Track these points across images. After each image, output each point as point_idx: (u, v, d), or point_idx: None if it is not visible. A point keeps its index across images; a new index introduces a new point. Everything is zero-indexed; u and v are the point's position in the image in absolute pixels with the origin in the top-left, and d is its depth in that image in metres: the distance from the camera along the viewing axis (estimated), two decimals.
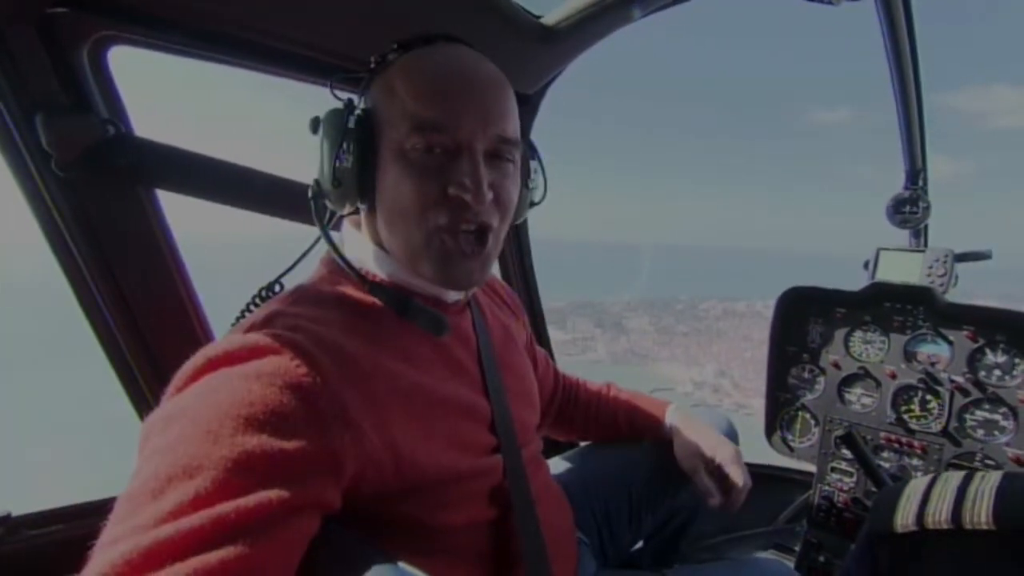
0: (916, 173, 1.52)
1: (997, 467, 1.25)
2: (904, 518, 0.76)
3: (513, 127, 0.64)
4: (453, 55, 0.63)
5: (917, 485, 0.80)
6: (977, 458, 1.27)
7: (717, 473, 0.96)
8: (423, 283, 0.67)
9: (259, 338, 0.53)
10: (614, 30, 1.13)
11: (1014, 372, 1.26)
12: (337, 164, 0.62)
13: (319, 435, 0.50)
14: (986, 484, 0.73)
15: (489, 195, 0.61)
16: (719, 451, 0.97)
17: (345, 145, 0.61)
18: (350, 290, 0.65)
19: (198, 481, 0.43)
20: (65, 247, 0.86)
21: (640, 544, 1.14)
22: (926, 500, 0.76)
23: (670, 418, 1.04)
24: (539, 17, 1.09)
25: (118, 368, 0.97)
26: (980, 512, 0.69)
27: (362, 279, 0.64)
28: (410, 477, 0.59)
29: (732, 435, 1.21)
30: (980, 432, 1.28)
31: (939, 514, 0.72)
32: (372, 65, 0.66)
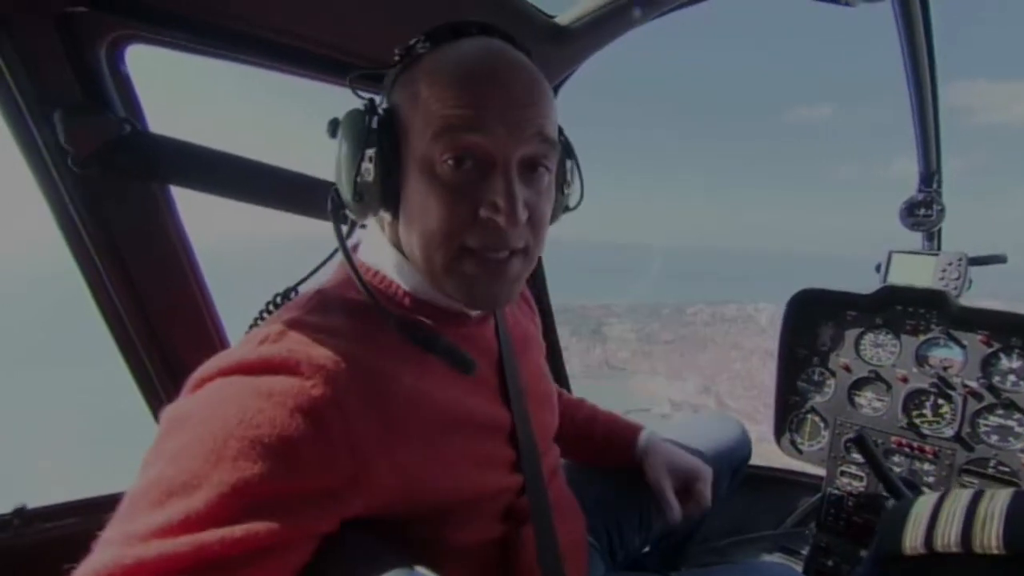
0: (930, 176, 1.51)
1: (1011, 473, 1.24)
2: (913, 540, 0.73)
3: (551, 128, 0.58)
4: (483, 51, 0.57)
5: (925, 504, 0.78)
6: (991, 464, 1.26)
7: (685, 485, 0.94)
8: (428, 292, 0.63)
9: (275, 352, 0.50)
10: (627, 30, 1.13)
11: None
12: (358, 179, 0.57)
13: (324, 467, 0.48)
14: (996, 505, 0.70)
15: (524, 215, 0.56)
16: (692, 463, 0.95)
17: (367, 152, 0.56)
18: (368, 297, 0.60)
19: (192, 501, 0.42)
20: (80, 242, 0.87)
21: (648, 547, 1.14)
22: (934, 521, 0.73)
23: (644, 440, 0.99)
24: (552, 17, 1.09)
25: (131, 363, 0.98)
26: (990, 535, 0.67)
27: (382, 311, 0.58)
28: (425, 501, 0.57)
29: (745, 445, 1.19)
30: (994, 438, 1.27)
31: (948, 537, 0.70)
32: (397, 58, 0.60)
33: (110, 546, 0.41)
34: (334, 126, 0.59)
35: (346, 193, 0.59)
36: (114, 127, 0.82)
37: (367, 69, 0.67)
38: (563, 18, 1.08)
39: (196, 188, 0.93)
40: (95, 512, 0.95)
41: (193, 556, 0.40)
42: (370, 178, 0.57)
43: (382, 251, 0.65)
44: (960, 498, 0.75)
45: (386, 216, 0.62)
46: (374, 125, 0.57)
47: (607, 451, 1.00)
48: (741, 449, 1.16)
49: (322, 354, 0.51)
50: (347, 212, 0.62)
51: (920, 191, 1.52)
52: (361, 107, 0.58)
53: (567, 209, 0.71)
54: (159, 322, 0.96)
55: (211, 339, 1.01)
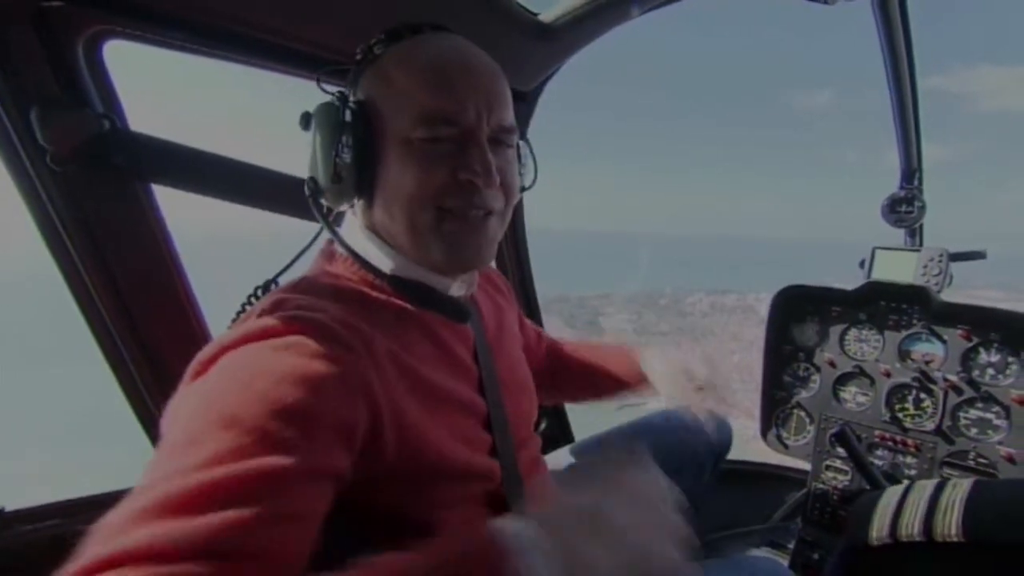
0: (911, 173, 1.53)
1: (990, 465, 1.26)
2: (879, 530, 0.74)
3: (511, 114, 0.65)
4: (448, 44, 0.63)
5: (892, 495, 0.79)
6: (970, 456, 1.28)
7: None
8: (429, 275, 0.67)
9: (277, 320, 0.53)
10: (611, 27, 1.13)
11: (1007, 371, 1.27)
12: (336, 160, 0.61)
13: (344, 403, 0.51)
14: (956, 494, 0.72)
15: (497, 178, 0.62)
16: (703, 374, 0.96)
17: (343, 139, 0.60)
18: (353, 283, 0.64)
19: (236, 433, 0.44)
20: (60, 242, 0.86)
21: None
22: (899, 511, 0.74)
23: (646, 359, 1.02)
24: (536, 14, 1.09)
25: (113, 362, 0.97)
26: (950, 524, 0.68)
27: (380, 275, 0.64)
28: (411, 464, 0.59)
29: (727, 435, 1.20)
30: (973, 431, 1.29)
31: (911, 526, 0.71)
32: (359, 56, 0.65)
33: (151, 488, 0.41)
34: (307, 119, 0.63)
35: (324, 179, 0.62)
36: (93, 124, 0.81)
37: (338, 65, 0.70)
38: (547, 15, 1.09)
39: (177, 186, 0.92)
40: (76, 513, 0.94)
41: (255, 478, 0.42)
42: (347, 163, 0.61)
43: (358, 239, 0.68)
44: (925, 489, 0.76)
45: (360, 202, 0.65)
46: (347, 116, 0.61)
47: (619, 377, 1.04)
48: (722, 437, 1.17)
49: (323, 320, 0.54)
50: (323, 200, 0.65)
51: (902, 188, 1.54)
52: (332, 100, 0.62)
53: (523, 189, 0.76)
54: (142, 321, 0.95)
55: (195, 337, 1.00)
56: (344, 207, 0.67)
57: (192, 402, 0.48)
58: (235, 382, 0.47)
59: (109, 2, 0.78)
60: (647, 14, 1.10)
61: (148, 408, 1.00)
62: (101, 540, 0.39)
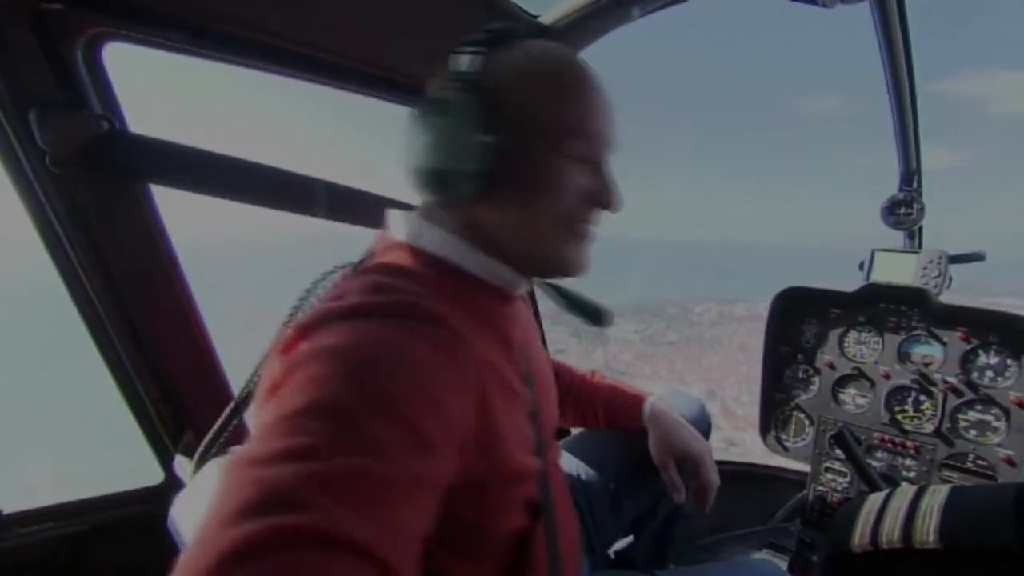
0: (911, 175, 1.53)
1: (989, 467, 1.26)
2: (861, 537, 0.73)
3: None
4: (581, 60, 0.65)
5: (874, 501, 0.78)
6: (969, 459, 1.28)
7: (689, 470, 0.96)
8: (497, 272, 0.65)
9: (393, 301, 0.51)
10: (611, 29, 1.13)
11: (1006, 373, 1.27)
12: (469, 151, 0.58)
13: (462, 404, 0.50)
14: (935, 500, 0.71)
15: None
16: (692, 448, 0.96)
17: (481, 133, 0.57)
18: (433, 274, 0.61)
19: (390, 425, 0.42)
20: (59, 244, 0.85)
21: (631, 540, 1.14)
22: (880, 518, 0.74)
23: (649, 409, 1.02)
24: (536, 16, 1.09)
25: (111, 364, 0.97)
26: (928, 530, 0.67)
27: (456, 269, 0.63)
28: (479, 465, 0.56)
29: (704, 420, 1.21)
30: (973, 433, 1.29)
31: (892, 533, 0.70)
32: (473, 50, 0.63)
33: (330, 459, 0.38)
34: (431, 105, 0.60)
35: (443, 170, 0.59)
36: (92, 125, 0.81)
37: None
38: (547, 17, 1.09)
39: (177, 187, 0.92)
40: (73, 516, 0.94)
41: (403, 479, 0.41)
42: (482, 157, 0.58)
43: (435, 237, 0.64)
44: (906, 495, 0.75)
45: (458, 199, 0.61)
46: (498, 112, 0.58)
47: (611, 418, 1.04)
48: (700, 425, 1.18)
49: (425, 303, 0.52)
50: (425, 190, 0.62)
51: (901, 190, 1.55)
52: (469, 94, 0.59)
53: None
54: (140, 321, 0.95)
55: (194, 339, 1.00)
56: (449, 198, 0.63)
57: (325, 368, 0.44)
58: (378, 360, 0.45)
59: (108, 4, 0.78)
60: (649, 16, 1.10)
61: (146, 409, 1.00)
62: (275, 503, 0.36)
